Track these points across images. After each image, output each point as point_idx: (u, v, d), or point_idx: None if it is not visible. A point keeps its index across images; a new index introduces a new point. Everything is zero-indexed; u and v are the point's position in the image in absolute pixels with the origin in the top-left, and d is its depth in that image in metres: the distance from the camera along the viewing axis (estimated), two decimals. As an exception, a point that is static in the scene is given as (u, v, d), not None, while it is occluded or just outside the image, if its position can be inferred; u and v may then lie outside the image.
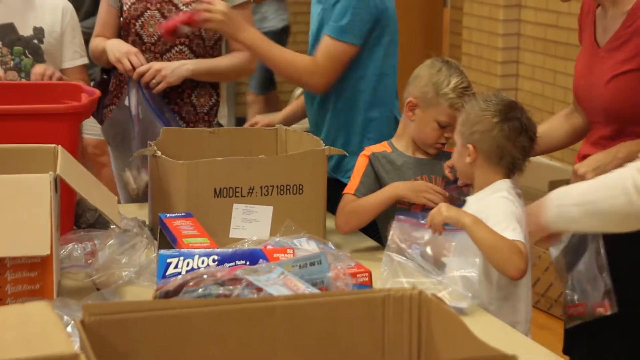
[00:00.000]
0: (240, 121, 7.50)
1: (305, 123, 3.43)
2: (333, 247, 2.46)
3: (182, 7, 3.33)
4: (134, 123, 3.29)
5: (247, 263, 2.14)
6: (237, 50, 3.43)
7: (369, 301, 1.60)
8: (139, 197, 3.20)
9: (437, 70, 2.83)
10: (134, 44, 3.37)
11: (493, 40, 6.22)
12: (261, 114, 5.36)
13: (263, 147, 3.05)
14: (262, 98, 7.17)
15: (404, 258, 2.50)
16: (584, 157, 2.67)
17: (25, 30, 3.38)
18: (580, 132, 2.84)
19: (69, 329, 1.89)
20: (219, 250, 2.22)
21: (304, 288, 1.90)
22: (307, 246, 2.40)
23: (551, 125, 2.91)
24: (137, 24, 3.37)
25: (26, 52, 3.36)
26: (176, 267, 2.15)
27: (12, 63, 3.35)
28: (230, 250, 2.22)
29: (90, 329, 1.46)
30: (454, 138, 2.71)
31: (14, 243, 2.18)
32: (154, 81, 3.28)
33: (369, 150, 2.93)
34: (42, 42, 3.38)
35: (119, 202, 3.19)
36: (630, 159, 2.30)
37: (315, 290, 1.95)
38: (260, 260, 2.15)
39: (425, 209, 2.71)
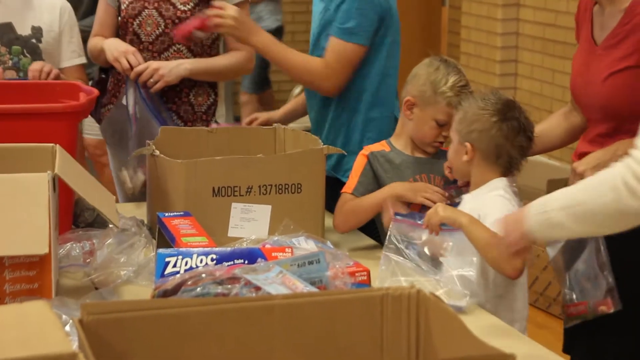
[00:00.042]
0: (238, 120, 7.48)
1: (303, 122, 3.43)
2: (331, 246, 2.47)
3: (179, 6, 3.32)
4: (131, 122, 3.28)
5: (246, 262, 2.15)
6: (234, 50, 3.43)
7: (368, 300, 1.60)
8: (135, 196, 3.19)
9: (435, 68, 2.83)
10: (131, 43, 3.36)
11: (492, 39, 6.22)
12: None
13: (261, 146, 3.05)
14: (255, 97, 7.15)
15: (401, 258, 2.50)
16: (581, 155, 2.66)
17: (24, 30, 3.37)
18: (579, 131, 2.83)
19: (67, 328, 1.89)
20: (217, 249, 2.22)
21: (302, 287, 1.90)
22: (306, 245, 2.41)
23: (549, 124, 2.90)
24: (134, 23, 3.37)
25: (24, 51, 3.36)
26: (174, 266, 2.16)
27: (10, 62, 3.35)
28: (228, 249, 2.23)
29: (89, 328, 1.46)
30: (450, 136, 2.71)
31: (12, 242, 2.18)
32: (151, 80, 3.28)
33: (367, 149, 2.93)
34: (40, 41, 3.38)
35: (117, 201, 3.19)
36: (629, 156, 2.29)
37: (313, 289, 1.95)
38: (259, 259, 2.15)
39: (424, 208, 2.71)
